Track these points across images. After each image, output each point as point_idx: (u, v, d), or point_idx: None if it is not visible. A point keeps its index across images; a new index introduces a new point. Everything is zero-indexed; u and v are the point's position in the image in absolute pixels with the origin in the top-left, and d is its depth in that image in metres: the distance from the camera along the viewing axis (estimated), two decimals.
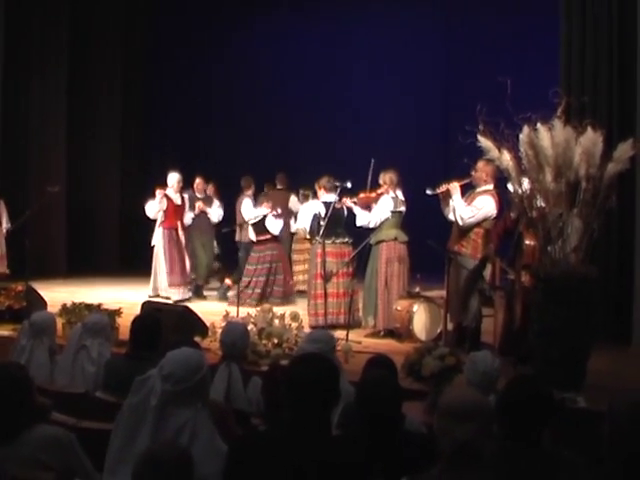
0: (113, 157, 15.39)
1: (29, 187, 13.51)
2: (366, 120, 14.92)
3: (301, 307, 10.15)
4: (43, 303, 9.18)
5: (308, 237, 10.87)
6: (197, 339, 7.02)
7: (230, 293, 11.52)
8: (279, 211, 11.56)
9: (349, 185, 9.54)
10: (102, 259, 14.87)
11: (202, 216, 11.98)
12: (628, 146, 6.69)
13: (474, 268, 8.21)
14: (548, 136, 6.61)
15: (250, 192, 11.92)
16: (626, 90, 8.68)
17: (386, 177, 9.40)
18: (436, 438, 3.03)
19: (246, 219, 11.59)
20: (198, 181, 12.11)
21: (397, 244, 9.30)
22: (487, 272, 8.23)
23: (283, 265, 11.68)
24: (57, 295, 10.45)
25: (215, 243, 12.37)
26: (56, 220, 14.08)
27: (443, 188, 8.40)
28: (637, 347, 8.39)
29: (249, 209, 11.63)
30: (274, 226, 11.45)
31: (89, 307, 8.38)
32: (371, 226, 9.35)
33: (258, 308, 8.69)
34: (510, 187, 7.02)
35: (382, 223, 9.31)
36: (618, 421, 2.55)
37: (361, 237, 9.35)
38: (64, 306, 8.42)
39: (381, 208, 9.34)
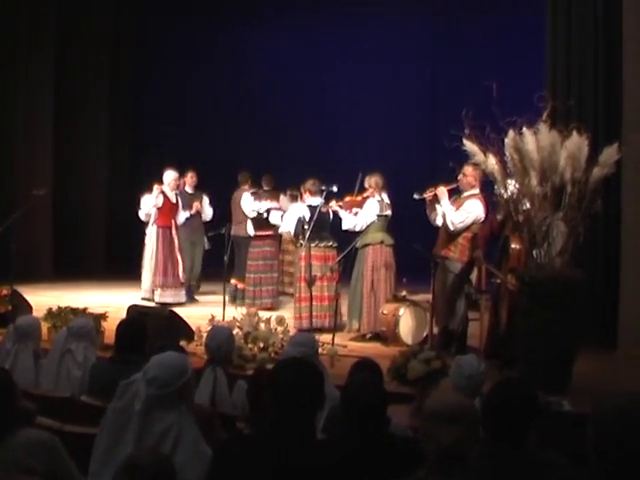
0: (100, 159, 15.30)
1: (15, 189, 13.41)
2: (352, 124, 14.89)
3: (290, 310, 10.14)
4: (28, 307, 9.14)
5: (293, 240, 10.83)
6: (183, 343, 7.00)
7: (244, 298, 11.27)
8: (280, 204, 11.49)
9: (335, 189, 9.56)
10: (89, 262, 14.72)
11: (194, 214, 11.83)
12: (613, 150, 6.73)
13: (461, 272, 8.22)
14: (533, 140, 6.64)
15: (247, 187, 11.81)
16: (612, 94, 8.68)
17: (372, 180, 9.40)
18: (422, 442, 3.04)
19: (247, 213, 11.48)
20: (190, 174, 11.93)
21: (383, 248, 9.30)
22: (473, 276, 8.25)
23: (278, 264, 11.70)
24: (43, 299, 10.39)
25: (205, 239, 12.16)
26: (42, 223, 13.97)
27: (431, 193, 8.41)
28: (623, 350, 8.38)
29: (250, 203, 11.49)
30: (280, 220, 11.01)
31: (75, 311, 8.37)
32: (357, 229, 9.35)
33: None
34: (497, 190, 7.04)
35: (368, 227, 9.30)
36: (602, 424, 2.55)
37: (347, 241, 9.33)
38: (50, 310, 8.41)
39: (367, 211, 9.34)
